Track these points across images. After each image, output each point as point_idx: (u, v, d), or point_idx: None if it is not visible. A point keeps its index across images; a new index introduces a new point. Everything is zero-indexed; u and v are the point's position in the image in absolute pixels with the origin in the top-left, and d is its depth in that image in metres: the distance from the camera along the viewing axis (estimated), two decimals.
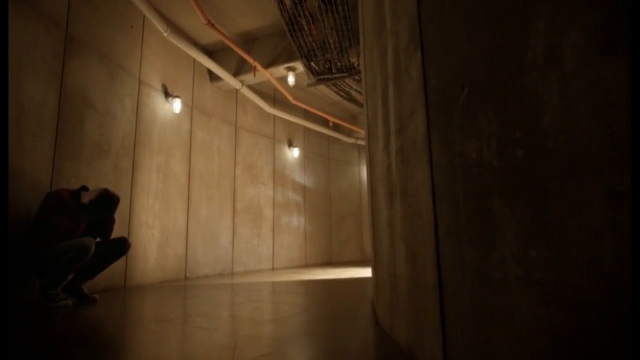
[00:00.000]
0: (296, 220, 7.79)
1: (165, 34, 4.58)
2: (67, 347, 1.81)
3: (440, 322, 1.08)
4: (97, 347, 1.83)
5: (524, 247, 0.74)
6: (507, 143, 0.80)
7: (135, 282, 4.28)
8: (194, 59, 5.45)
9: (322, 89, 6.39)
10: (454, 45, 1.05)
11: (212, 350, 1.69)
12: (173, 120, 5.16)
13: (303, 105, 6.99)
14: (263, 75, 5.59)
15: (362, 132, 8.54)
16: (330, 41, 4.60)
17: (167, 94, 5.04)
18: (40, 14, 3.29)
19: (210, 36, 5.33)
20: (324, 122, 8.11)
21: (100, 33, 4.01)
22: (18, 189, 2.99)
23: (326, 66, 5.19)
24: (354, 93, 6.16)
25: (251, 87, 6.21)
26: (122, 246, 3.21)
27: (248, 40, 5.72)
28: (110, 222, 3.24)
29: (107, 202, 3.12)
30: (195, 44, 5.52)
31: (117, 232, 3.36)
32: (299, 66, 5.42)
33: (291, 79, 5.68)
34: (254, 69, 5.37)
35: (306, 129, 8.23)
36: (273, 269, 6.93)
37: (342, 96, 6.31)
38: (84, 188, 3.13)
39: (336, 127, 8.48)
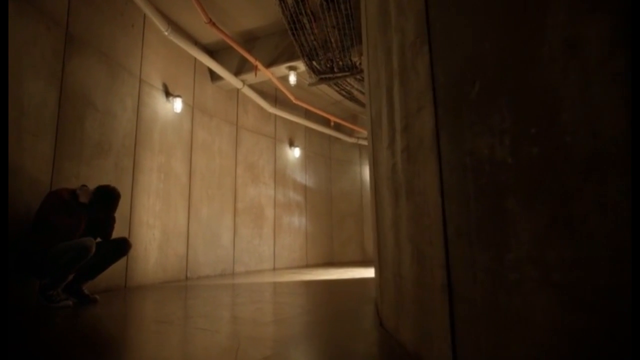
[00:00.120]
0: (297, 220, 7.76)
1: (166, 33, 4.55)
2: (67, 348, 1.79)
3: (450, 325, 1.05)
4: (98, 349, 1.80)
5: (541, 248, 0.71)
6: (522, 139, 0.78)
7: (136, 282, 4.25)
8: (195, 59, 5.43)
9: (324, 88, 6.36)
10: (463, 40, 1.02)
11: (214, 352, 1.67)
12: (174, 120, 5.14)
13: (304, 105, 6.96)
14: (264, 74, 5.56)
15: (364, 132, 8.51)
16: (332, 40, 4.57)
17: (168, 94, 5.02)
18: (40, 12, 3.27)
19: (211, 35, 5.30)
20: (325, 122, 8.08)
21: (101, 32, 3.99)
22: (18, 189, 2.96)
23: (328, 65, 5.16)
24: (355, 92, 6.13)
25: (252, 87, 6.18)
26: (123, 246, 3.19)
27: (249, 40, 5.69)
28: (111, 221, 3.21)
29: (108, 197, 3.09)
30: (196, 43, 5.49)
31: (117, 232, 3.33)
32: (301, 65, 5.39)
33: (293, 79, 5.65)
34: (255, 68, 5.34)
35: (307, 129, 8.20)
36: (274, 269, 6.91)
37: (343, 95, 6.27)
38: (84, 187, 3.10)
39: (337, 127, 8.45)
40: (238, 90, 6.15)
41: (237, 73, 5.70)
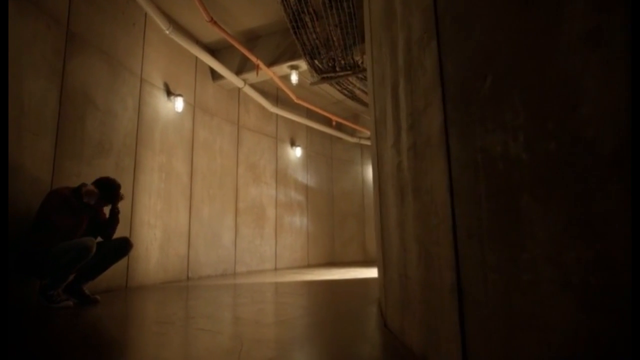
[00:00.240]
0: (299, 220, 7.73)
1: (168, 32, 4.53)
2: (68, 349, 1.76)
3: (460, 327, 1.02)
4: (99, 350, 1.78)
5: (559, 248, 0.68)
6: (538, 135, 0.74)
7: (137, 282, 4.23)
8: (196, 58, 5.40)
9: (325, 87, 6.33)
10: (474, 33, 0.99)
11: (217, 354, 1.64)
12: (175, 119, 5.11)
13: (306, 104, 6.93)
14: (266, 73, 5.53)
15: (365, 132, 8.48)
16: (335, 39, 4.54)
17: (169, 93, 4.99)
18: (40, 10, 3.24)
19: (212, 34, 5.27)
20: (327, 122, 8.06)
21: (102, 31, 3.97)
22: (18, 188, 2.94)
23: (330, 64, 5.13)
24: (357, 92, 6.10)
25: (254, 86, 6.16)
26: (124, 246, 3.16)
27: (251, 39, 5.67)
28: (114, 222, 3.19)
29: (109, 187, 3.07)
30: (198, 42, 5.46)
31: (118, 232, 3.30)
32: (303, 64, 5.36)
33: (294, 78, 5.62)
34: (257, 67, 5.32)
35: (309, 129, 8.18)
36: (275, 269, 6.88)
37: (345, 95, 6.24)
38: (84, 185, 3.07)
39: (339, 127, 8.42)
40: (239, 89, 6.13)
41: (238, 72, 5.68)
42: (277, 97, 7.14)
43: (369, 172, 9.47)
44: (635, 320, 0.57)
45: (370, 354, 1.69)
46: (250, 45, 5.56)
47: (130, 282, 4.13)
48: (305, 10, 4.11)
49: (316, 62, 5.09)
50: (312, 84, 5.63)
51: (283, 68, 5.56)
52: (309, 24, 4.35)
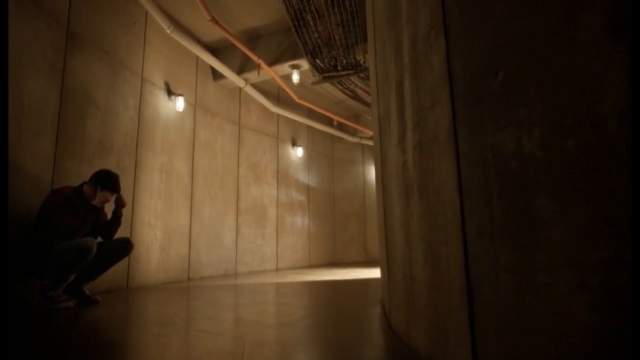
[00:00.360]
0: (300, 220, 7.71)
1: (168, 31, 4.51)
2: (68, 350, 1.74)
3: (470, 329, 1.00)
4: (99, 351, 1.75)
5: (577, 249, 0.66)
6: (555, 131, 0.72)
7: (137, 283, 4.20)
8: (197, 57, 5.38)
9: (327, 87, 6.30)
10: (484, 28, 0.97)
11: (219, 356, 1.61)
12: (176, 119, 5.09)
13: (307, 104, 6.90)
14: (267, 73, 5.51)
15: (367, 132, 8.45)
16: (336, 38, 4.52)
17: (169, 92, 4.97)
18: (40, 9, 3.22)
19: (213, 33, 5.25)
20: (328, 121, 8.03)
21: (102, 30, 3.94)
22: (19, 188, 2.92)
23: (331, 63, 5.11)
24: (359, 91, 6.07)
25: (255, 86, 6.13)
26: (124, 247, 3.14)
27: (252, 38, 5.64)
28: (116, 223, 3.17)
29: (109, 178, 3.03)
30: (199, 41, 5.44)
31: (119, 232, 3.28)
32: (304, 64, 5.33)
33: (296, 77, 5.59)
34: (258, 66, 5.29)
35: (310, 128, 8.15)
36: (277, 269, 6.85)
37: (347, 94, 6.22)
38: (86, 184, 3.05)
39: (340, 127, 8.39)
40: (240, 89, 6.10)
41: (239, 72, 5.65)
42: (278, 96, 7.12)
43: (370, 172, 9.44)
44: None
45: (375, 355, 1.67)
46: (252, 45, 5.53)
47: (131, 283, 4.10)
48: (307, 8, 4.09)
49: (318, 61, 5.06)
50: (314, 83, 5.61)
51: (284, 67, 5.54)
52: (311, 23, 4.32)
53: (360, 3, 4.01)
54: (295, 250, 7.46)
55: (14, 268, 2.72)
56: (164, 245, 4.69)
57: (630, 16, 0.57)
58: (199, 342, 1.83)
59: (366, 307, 2.86)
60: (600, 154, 0.62)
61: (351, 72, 5.18)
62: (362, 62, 5.03)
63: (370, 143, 8.79)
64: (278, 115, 7.26)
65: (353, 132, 8.85)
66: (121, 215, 3.20)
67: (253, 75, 5.66)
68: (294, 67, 5.51)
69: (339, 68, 5.16)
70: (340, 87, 5.89)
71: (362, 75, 5.30)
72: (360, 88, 5.89)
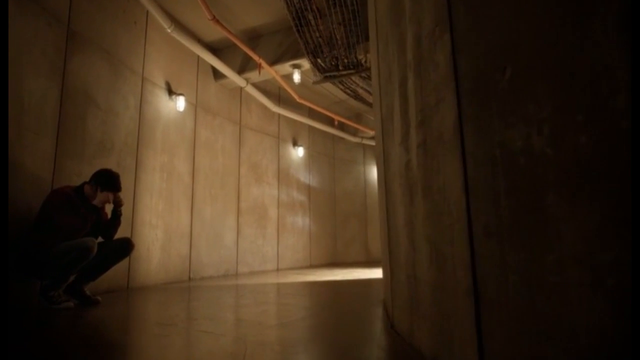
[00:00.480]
0: (301, 220, 7.69)
1: (169, 31, 4.49)
2: (68, 350, 1.72)
3: (476, 331, 0.98)
4: (100, 351, 1.74)
5: (591, 249, 0.64)
6: (566, 128, 0.70)
7: (138, 283, 4.19)
8: (198, 57, 5.36)
9: (328, 87, 6.29)
10: (491, 24, 0.95)
11: (220, 357, 1.60)
12: (177, 119, 5.08)
13: (308, 104, 6.88)
14: (268, 72, 5.49)
15: (368, 132, 8.43)
16: (338, 37, 4.50)
17: (170, 92, 4.95)
18: (41, 8, 3.21)
19: (214, 33, 5.23)
20: (329, 121, 8.01)
21: (103, 29, 3.93)
22: (19, 187, 2.90)
23: (333, 63, 5.09)
24: (360, 91, 6.05)
25: (256, 85, 6.12)
26: (125, 247, 3.12)
27: (253, 37, 5.63)
28: (116, 223, 3.16)
29: (109, 177, 3.01)
30: (200, 41, 5.42)
31: (119, 233, 3.27)
32: (305, 63, 5.31)
33: (297, 77, 5.57)
34: (259, 66, 5.28)
35: (311, 128, 8.13)
36: (278, 269, 6.84)
37: (348, 94, 6.20)
38: (86, 185, 3.03)
39: (341, 126, 8.38)
40: (241, 88, 6.09)
41: (240, 71, 5.64)
42: (279, 96, 7.10)
43: (371, 172, 9.42)
44: None
45: (378, 356, 1.65)
46: (253, 44, 5.52)
47: (131, 283, 4.09)
48: (309, 7, 4.07)
49: (319, 60, 5.05)
50: (315, 83, 5.59)
51: (285, 67, 5.52)
52: (312, 22, 4.31)
53: (362, 2, 3.99)
54: (296, 251, 7.44)
55: (14, 268, 2.70)
56: (164, 245, 4.67)
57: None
58: (200, 343, 1.82)
59: (368, 307, 2.85)
60: (613, 150, 0.60)
61: (352, 71, 5.17)
62: (363, 61, 5.01)
63: (372, 143, 8.77)
64: (279, 115, 7.24)
65: (354, 132, 8.83)
66: (120, 214, 3.18)
67: (254, 75, 5.64)
68: (295, 66, 5.50)
69: (341, 67, 5.14)
70: (341, 86, 5.87)
71: (363, 74, 5.28)
72: (362, 87, 5.87)
